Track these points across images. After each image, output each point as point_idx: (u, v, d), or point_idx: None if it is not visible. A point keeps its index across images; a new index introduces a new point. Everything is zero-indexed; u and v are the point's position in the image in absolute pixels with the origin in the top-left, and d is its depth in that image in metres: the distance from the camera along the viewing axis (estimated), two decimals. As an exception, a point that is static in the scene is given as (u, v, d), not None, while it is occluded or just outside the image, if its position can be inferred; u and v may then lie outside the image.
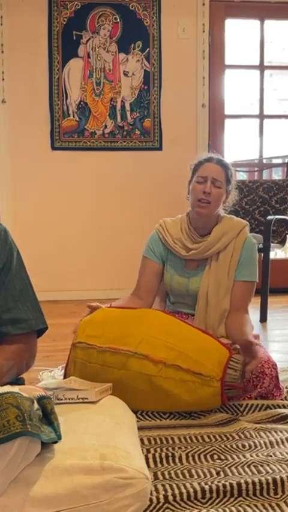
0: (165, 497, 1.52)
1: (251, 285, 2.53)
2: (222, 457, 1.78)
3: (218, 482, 1.59)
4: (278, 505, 1.53)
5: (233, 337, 2.37)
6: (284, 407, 2.20)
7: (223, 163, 2.56)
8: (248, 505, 1.52)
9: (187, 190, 2.58)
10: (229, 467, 1.70)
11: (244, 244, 2.53)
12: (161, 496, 1.52)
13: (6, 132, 4.70)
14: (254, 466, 1.70)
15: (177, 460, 1.77)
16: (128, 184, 4.84)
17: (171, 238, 2.57)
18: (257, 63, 5.12)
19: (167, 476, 1.65)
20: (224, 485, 1.56)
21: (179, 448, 1.85)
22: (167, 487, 1.57)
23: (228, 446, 1.86)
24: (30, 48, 4.70)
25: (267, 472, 1.65)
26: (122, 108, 4.80)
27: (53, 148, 4.77)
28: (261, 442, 1.88)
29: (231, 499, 1.54)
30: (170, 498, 1.52)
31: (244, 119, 5.68)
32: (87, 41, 4.75)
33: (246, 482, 1.57)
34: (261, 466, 1.69)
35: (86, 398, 1.75)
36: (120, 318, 2.24)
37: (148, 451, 1.82)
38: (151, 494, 1.51)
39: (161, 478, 1.65)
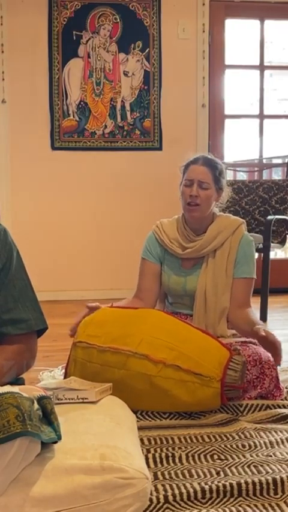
0: (165, 497, 1.52)
1: (250, 282, 2.54)
2: (222, 457, 1.78)
3: (218, 482, 1.59)
4: (278, 505, 1.53)
5: (244, 331, 2.38)
6: (284, 407, 2.20)
7: (210, 164, 2.55)
8: (248, 505, 1.52)
9: (179, 192, 2.59)
10: (229, 467, 1.70)
11: (241, 242, 2.53)
12: (161, 496, 1.52)
13: (6, 132, 4.70)
14: (254, 466, 1.70)
15: (177, 460, 1.77)
16: (128, 184, 4.84)
17: (167, 238, 2.58)
18: (257, 63, 5.12)
19: (167, 476, 1.65)
20: (224, 485, 1.56)
21: (179, 448, 1.85)
22: (167, 487, 1.57)
23: (228, 446, 1.86)
24: (30, 48, 4.70)
25: (267, 472, 1.65)
26: (122, 108, 4.80)
27: (53, 148, 4.77)
28: (261, 442, 1.88)
29: (231, 499, 1.54)
30: (170, 498, 1.52)
31: (244, 119, 5.68)
32: (87, 41, 4.75)
33: (246, 482, 1.57)
34: (261, 466, 1.69)
35: (86, 398, 1.75)
36: (121, 318, 2.24)
37: (148, 451, 1.82)
38: (151, 494, 1.50)
39: (161, 478, 1.64)
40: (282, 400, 2.27)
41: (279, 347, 2.18)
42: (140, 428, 1.92)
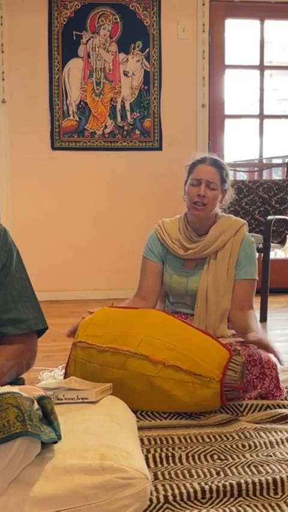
0: (165, 497, 1.52)
1: (252, 283, 2.54)
2: (222, 457, 1.78)
3: (218, 482, 1.59)
4: (278, 505, 1.53)
5: (241, 334, 2.39)
6: (284, 407, 2.20)
7: (217, 164, 2.55)
8: (248, 505, 1.52)
9: (183, 191, 2.58)
10: (229, 467, 1.70)
11: (242, 243, 2.53)
12: (161, 496, 1.52)
13: (6, 132, 4.70)
14: (254, 466, 1.70)
15: (177, 460, 1.77)
16: (127, 184, 4.84)
17: (169, 238, 2.58)
18: (257, 63, 5.12)
19: (167, 476, 1.65)
20: (224, 485, 1.56)
21: (179, 448, 1.85)
22: (167, 487, 1.57)
23: (228, 446, 1.86)
24: (30, 48, 4.70)
25: (267, 472, 1.65)
26: (122, 108, 4.80)
27: (53, 148, 4.77)
28: (261, 442, 1.88)
29: (231, 499, 1.54)
30: (170, 498, 1.52)
31: (244, 119, 5.67)
32: (87, 41, 4.75)
33: (246, 482, 1.57)
34: (261, 466, 1.69)
35: (86, 399, 1.75)
36: (121, 318, 2.24)
37: (148, 451, 1.82)
38: (151, 494, 1.51)
39: (161, 478, 1.65)
40: (282, 400, 2.28)
41: (270, 348, 2.26)
42: (140, 428, 1.92)
